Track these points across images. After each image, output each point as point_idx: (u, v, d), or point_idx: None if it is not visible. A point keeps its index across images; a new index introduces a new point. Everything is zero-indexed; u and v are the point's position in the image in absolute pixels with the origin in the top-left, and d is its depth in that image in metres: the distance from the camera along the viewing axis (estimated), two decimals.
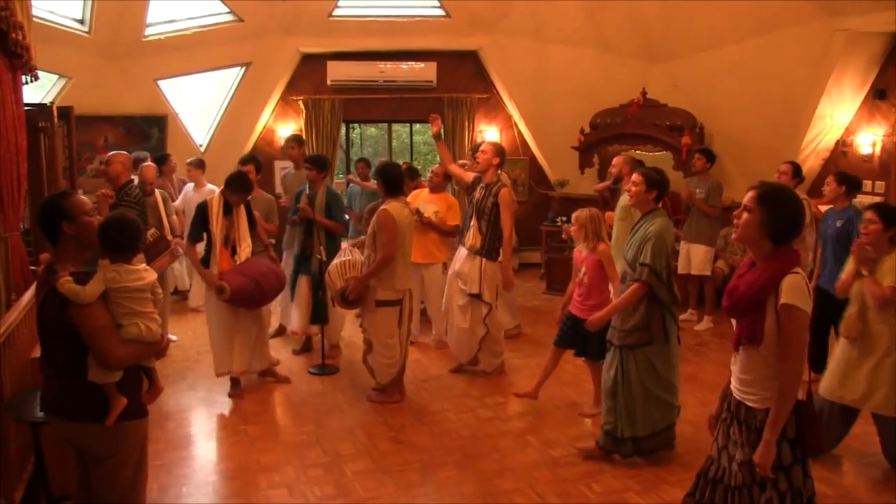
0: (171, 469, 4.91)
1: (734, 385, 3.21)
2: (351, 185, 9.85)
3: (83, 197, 3.23)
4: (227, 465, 5.03)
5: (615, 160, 7.49)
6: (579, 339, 5.63)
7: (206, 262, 6.05)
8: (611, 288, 5.54)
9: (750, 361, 3.08)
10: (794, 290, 2.94)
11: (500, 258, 6.63)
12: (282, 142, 10.91)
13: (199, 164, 8.96)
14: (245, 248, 6.09)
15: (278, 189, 10.57)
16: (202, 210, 6.05)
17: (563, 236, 8.74)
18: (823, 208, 6.68)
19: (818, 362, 6.30)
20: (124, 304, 3.12)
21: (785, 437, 3.02)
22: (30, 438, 3.95)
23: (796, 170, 7.13)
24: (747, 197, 3.07)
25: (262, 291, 5.98)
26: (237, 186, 6.08)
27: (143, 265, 3.30)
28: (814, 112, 8.64)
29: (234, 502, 4.52)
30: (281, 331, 7.88)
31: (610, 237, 6.28)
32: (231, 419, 5.83)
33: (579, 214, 5.64)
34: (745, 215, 3.05)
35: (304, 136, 10.62)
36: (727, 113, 9.62)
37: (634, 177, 4.96)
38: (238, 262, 6.00)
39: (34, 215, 5.91)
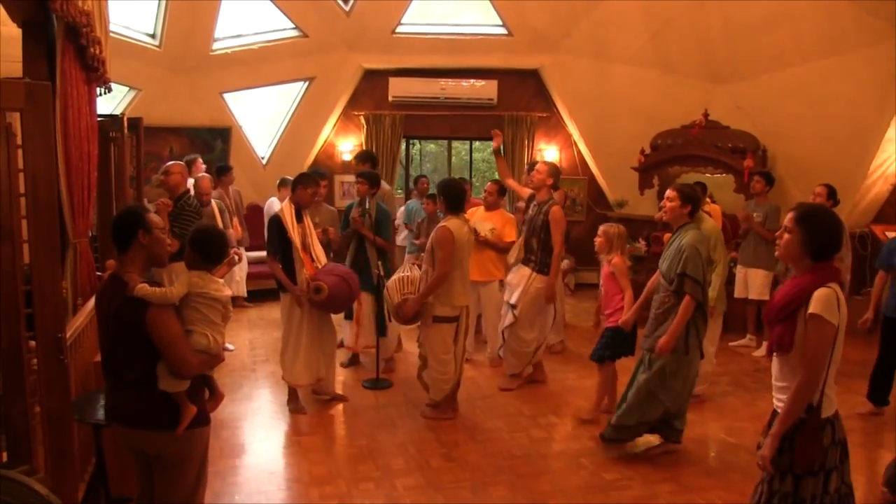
0: (225, 476, 4.97)
1: (773, 394, 3.29)
2: (411, 200, 9.91)
3: (154, 215, 3.31)
4: (280, 475, 5.07)
5: (669, 192, 7.34)
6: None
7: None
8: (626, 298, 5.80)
9: (783, 369, 3.20)
10: (823, 301, 3.02)
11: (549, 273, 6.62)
12: (342, 156, 11.13)
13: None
14: (320, 253, 6.14)
15: (339, 202, 10.75)
16: (277, 222, 6.02)
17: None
18: (892, 234, 6.55)
19: (881, 395, 6.18)
20: (201, 311, 3.21)
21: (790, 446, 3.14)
22: (91, 439, 4.04)
23: (831, 192, 7.18)
24: (787, 218, 3.21)
25: (352, 289, 6.04)
26: (308, 180, 6.14)
27: (222, 280, 3.38)
28: (883, 135, 8.43)
29: None
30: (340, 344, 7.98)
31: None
32: (285, 430, 5.88)
33: (608, 229, 5.90)
34: (785, 236, 3.19)
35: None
36: (791, 135, 9.43)
37: (668, 192, 5.16)
38: (319, 266, 6.03)
39: (102, 222, 6.07)
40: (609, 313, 5.85)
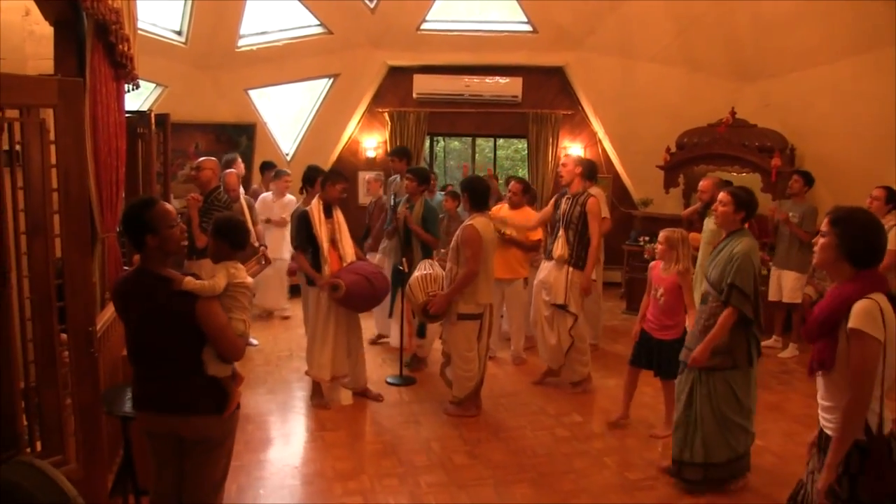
0: (250, 471, 5.01)
1: (819, 412, 3.13)
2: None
3: (168, 205, 3.33)
4: (304, 470, 5.10)
5: (703, 184, 7.28)
6: (654, 358, 5.58)
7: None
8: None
9: (828, 388, 3.04)
10: (864, 315, 2.85)
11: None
12: (366, 153, 11.15)
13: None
14: (349, 250, 6.13)
15: (362, 199, 10.79)
16: (304, 218, 6.04)
17: (646, 256, 8.60)
18: None
19: None
20: (239, 299, 3.33)
21: (847, 472, 2.94)
22: (119, 431, 4.09)
23: (891, 194, 6.84)
24: (823, 222, 3.06)
25: (375, 290, 6.00)
26: (336, 177, 6.18)
27: (244, 268, 3.46)
28: None
29: None
30: (376, 339, 8.05)
31: (695, 260, 6.15)
32: (309, 425, 5.92)
33: (671, 235, 5.48)
34: (821, 240, 3.04)
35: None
36: (820, 134, 9.31)
37: (722, 196, 4.79)
38: (346, 264, 6.04)
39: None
40: (672, 324, 5.47)
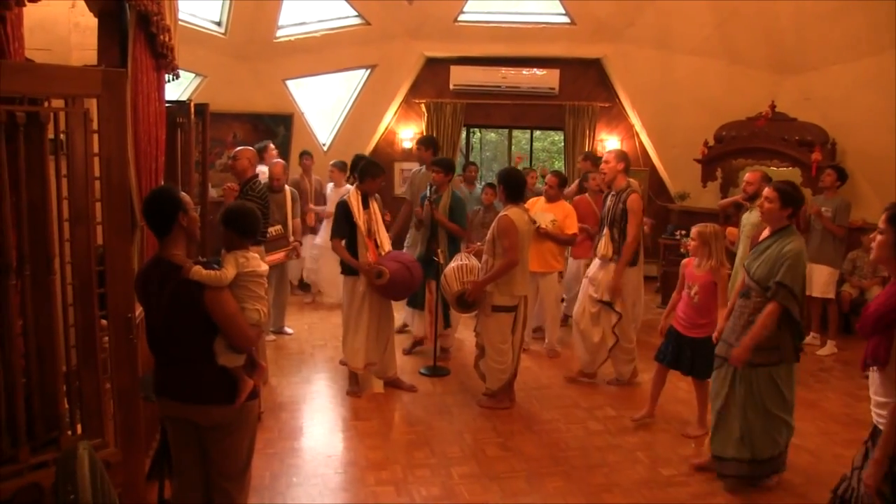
0: (283, 458, 5.06)
1: (872, 408, 3.12)
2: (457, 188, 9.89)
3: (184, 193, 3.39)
4: (337, 458, 5.14)
5: (749, 176, 7.13)
6: (685, 358, 5.47)
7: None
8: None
9: (881, 383, 3.02)
10: None
11: (637, 264, 6.56)
12: (403, 143, 11.17)
13: (343, 167, 9.24)
14: (385, 240, 6.21)
15: (398, 190, 10.83)
16: (344, 207, 6.12)
17: (682, 250, 8.51)
18: None
19: None
20: (251, 288, 3.33)
21: (892, 472, 2.94)
22: (156, 416, 4.16)
23: None
24: (881, 219, 3.06)
25: (413, 278, 6.08)
26: (376, 171, 6.24)
27: (256, 255, 3.47)
28: None
29: (341, 495, 4.62)
30: (402, 328, 8.03)
31: (731, 255, 6.05)
32: (342, 414, 5.96)
33: (703, 230, 5.38)
34: (878, 237, 3.04)
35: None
36: (863, 128, 9.13)
37: (767, 192, 4.64)
38: (383, 253, 6.11)
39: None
40: (704, 323, 5.34)
